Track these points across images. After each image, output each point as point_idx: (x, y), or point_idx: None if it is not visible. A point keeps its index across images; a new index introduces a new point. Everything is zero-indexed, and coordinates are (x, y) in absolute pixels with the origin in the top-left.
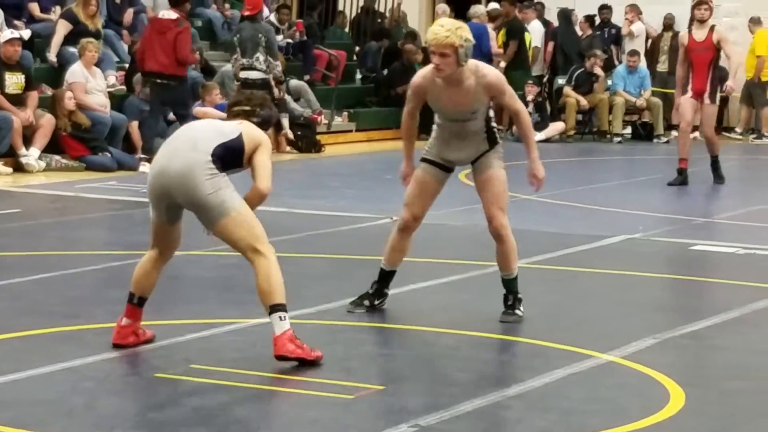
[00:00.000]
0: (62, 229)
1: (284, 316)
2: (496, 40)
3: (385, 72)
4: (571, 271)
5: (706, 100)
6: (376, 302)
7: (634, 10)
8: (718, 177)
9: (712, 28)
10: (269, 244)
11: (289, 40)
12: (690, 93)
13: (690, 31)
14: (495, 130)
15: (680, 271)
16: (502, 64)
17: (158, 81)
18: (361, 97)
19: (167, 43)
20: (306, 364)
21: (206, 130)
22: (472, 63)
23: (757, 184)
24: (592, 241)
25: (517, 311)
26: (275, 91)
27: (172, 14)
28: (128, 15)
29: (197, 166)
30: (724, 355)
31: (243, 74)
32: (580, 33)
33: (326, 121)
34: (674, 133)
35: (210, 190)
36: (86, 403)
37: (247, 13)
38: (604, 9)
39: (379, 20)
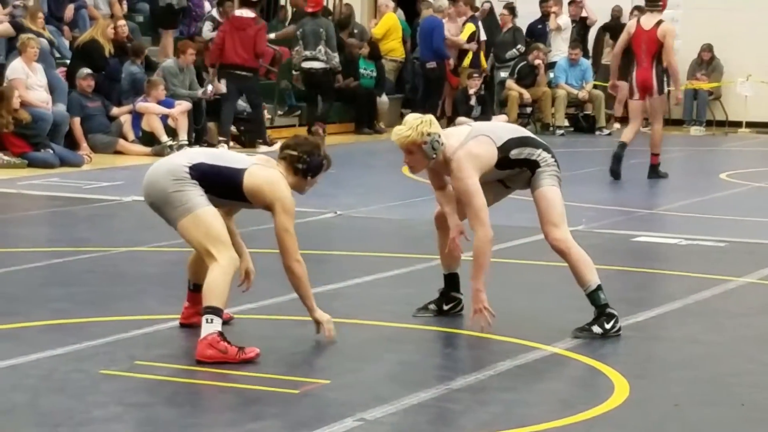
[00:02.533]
0: (3, 226)
1: (211, 319)
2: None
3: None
4: (514, 263)
5: (654, 94)
6: (445, 307)
7: (558, 4)
8: (655, 173)
9: (659, 22)
10: (229, 248)
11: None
12: (637, 95)
13: (638, 20)
14: (532, 159)
15: (623, 262)
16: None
17: (237, 72)
18: (301, 91)
19: (247, 39)
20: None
21: (209, 150)
22: (451, 146)
23: (697, 175)
24: (534, 234)
25: (593, 328)
26: (338, 77)
27: (249, 13)
28: (69, 11)
29: (173, 167)
30: (668, 346)
31: (306, 64)
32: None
33: (269, 116)
34: (616, 125)
35: (173, 188)
36: (28, 400)
37: (309, 9)
38: (544, 2)
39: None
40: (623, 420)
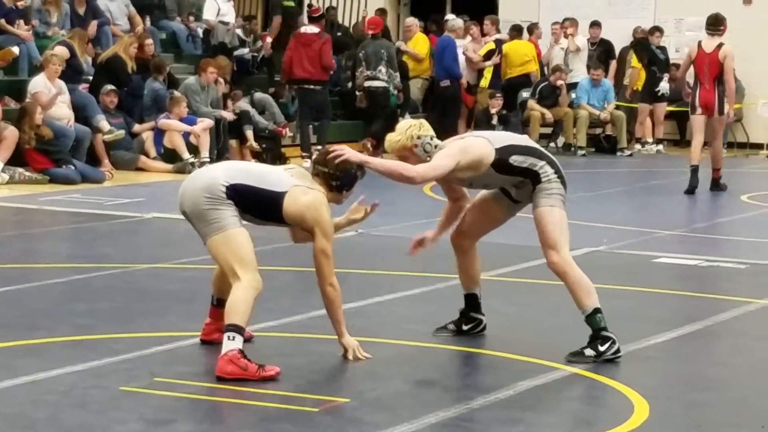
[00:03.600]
0: (25, 241)
1: (233, 336)
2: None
3: (350, 85)
4: (535, 283)
5: (715, 114)
6: (465, 327)
7: (573, 25)
8: (717, 187)
9: (719, 44)
10: (254, 271)
11: (255, 54)
12: (699, 111)
13: (699, 44)
14: (533, 169)
15: (644, 283)
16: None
17: (305, 87)
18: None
19: (313, 54)
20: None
21: (251, 168)
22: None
23: (719, 197)
24: None
25: (586, 351)
26: (398, 95)
27: (314, 28)
28: (92, 27)
29: (209, 184)
30: (689, 367)
31: (367, 83)
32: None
33: (291, 134)
34: (637, 146)
35: (207, 205)
36: (49, 416)
37: (370, 31)
38: (560, 24)
39: (339, 34)
40: None
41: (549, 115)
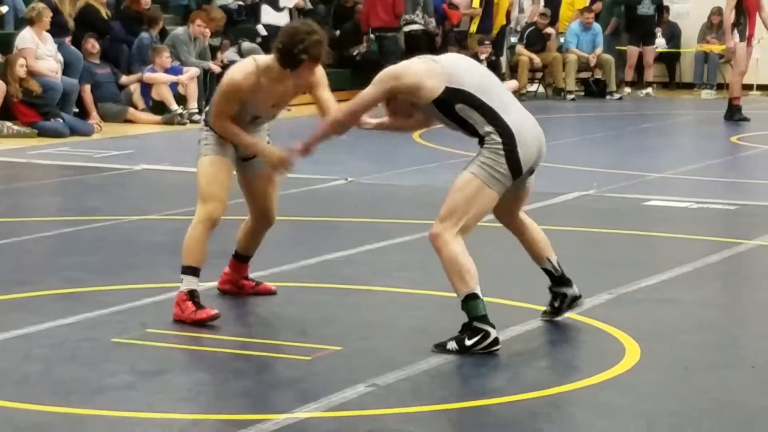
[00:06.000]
0: (14, 196)
1: (182, 278)
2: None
3: (338, 33)
4: None
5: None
6: (555, 303)
7: None
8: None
9: None
10: (209, 201)
11: (240, 2)
12: (746, 41)
13: None
14: (476, 129)
15: (634, 226)
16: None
17: (380, 34)
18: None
19: (387, 4)
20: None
21: None
22: None
23: (708, 139)
24: (546, 198)
25: (449, 344)
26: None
27: None
28: None
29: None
30: (679, 309)
31: (406, 28)
32: None
33: None
34: (627, 89)
35: (198, 139)
36: (41, 370)
37: None
38: None
39: None
40: (633, 384)
41: (537, 59)
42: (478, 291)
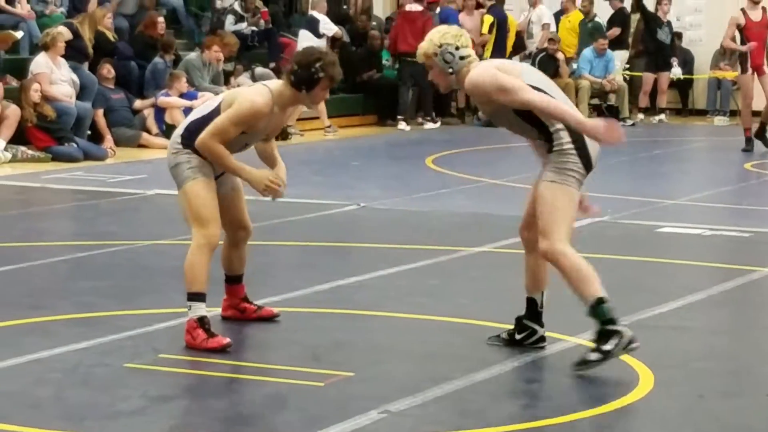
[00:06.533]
0: (28, 220)
1: (189, 306)
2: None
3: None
4: None
5: (766, 71)
6: (518, 336)
7: None
8: (766, 141)
9: (763, 8)
10: (207, 225)
11: (254, 28)
12: (749, 71)
13: (744, 11)
14: (547, 128)
15: (647, 253)
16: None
17: (409, 59)
18: None
19: (417, 29)
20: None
21: (196, 110)
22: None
23: (722, 166)
24: None
25: (590, 356)
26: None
27: (418, 6)
28: (92, 5)
29: (171, 144)
30: (692, 337)
31: None
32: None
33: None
34: (640, 116)
35: (172, 163)
36: (53, 394)
37: None
38: None
39: (345, 6)
40: (648, 411)
41: None
42: (604, 294)
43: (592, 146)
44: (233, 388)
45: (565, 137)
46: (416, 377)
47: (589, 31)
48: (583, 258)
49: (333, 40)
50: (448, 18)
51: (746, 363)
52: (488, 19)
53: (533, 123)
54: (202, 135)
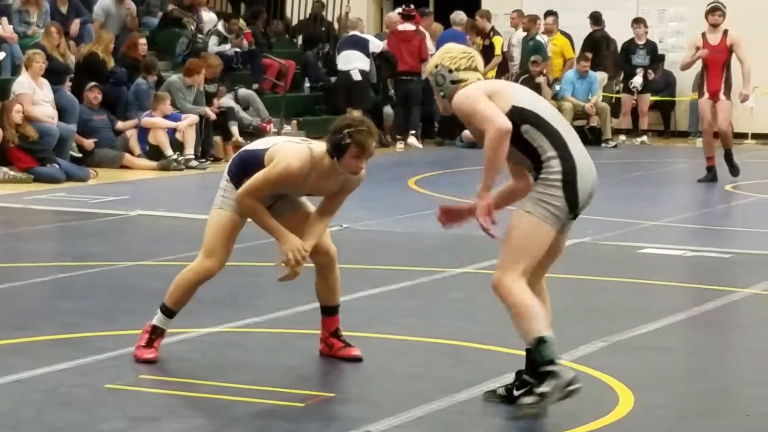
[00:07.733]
0: (10, 241)
1: (157, 312)
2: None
3: (333, 80)
4: None
5: (722, 97)
6: (516, 392)
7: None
8: (732, 169)
9: (725, 32)
10: (210, 257)
11: (237, 49)
12: (706, 95)
13: (704, 35)
14: (538, 154)
15: (628, 274)
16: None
17: (404, 78)
18: (309, 105)
19: (413, 48)
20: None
21: (254, 143)
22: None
23: (702, 187)
24: None
25: (524, 399)
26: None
27: (410, 26)
28: (75, 25)
29: (227, 165)
30: (673, 358)
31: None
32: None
33: (275, 130)
34: (622, 137)
35: (220, 183)
36: (35, 415)
37: None
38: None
39: (324, 29)
40: (628, 431)
41: None
42: (546, 334)
43: (584, 182)
44: (214, 409)
45: (555, 166)
46: (397, 398)
47: (530, 50)
48: (531, 295)
49: (380, 56)
50: (456, 39)
51: (726, 384)
52: (498, 40)
53: (526, 152)
54: (240, 190)
